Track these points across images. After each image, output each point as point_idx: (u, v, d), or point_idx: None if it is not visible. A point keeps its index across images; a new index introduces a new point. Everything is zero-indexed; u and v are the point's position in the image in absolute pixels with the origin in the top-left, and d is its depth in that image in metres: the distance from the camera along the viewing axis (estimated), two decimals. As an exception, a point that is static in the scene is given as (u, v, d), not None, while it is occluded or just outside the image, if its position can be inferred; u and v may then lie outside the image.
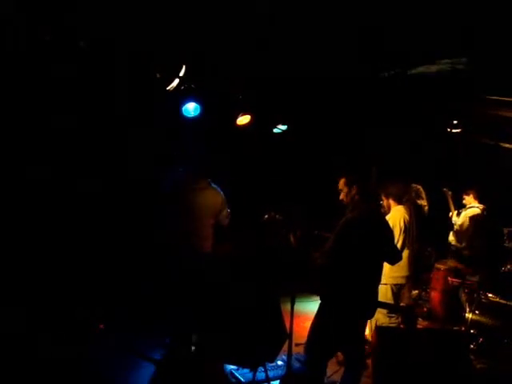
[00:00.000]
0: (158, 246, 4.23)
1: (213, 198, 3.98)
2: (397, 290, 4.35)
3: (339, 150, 6.47)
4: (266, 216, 3.78)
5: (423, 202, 5.39)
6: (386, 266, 3.60)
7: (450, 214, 6.04)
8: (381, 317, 4.20)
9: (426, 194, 5.56)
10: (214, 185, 4.08)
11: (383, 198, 4.56)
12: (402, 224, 4.29)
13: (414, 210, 4.67)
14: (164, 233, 4.12)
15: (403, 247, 4.29)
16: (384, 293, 4.20)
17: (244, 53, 3.86)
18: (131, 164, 5.34)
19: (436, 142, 6.57)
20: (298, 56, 3.69)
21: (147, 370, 3.86)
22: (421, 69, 3.42)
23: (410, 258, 4.42)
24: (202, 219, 3.94)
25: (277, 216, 3.73)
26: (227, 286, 3.62)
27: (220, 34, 3.48)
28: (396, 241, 4.17)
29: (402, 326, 4.47)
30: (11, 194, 4.32)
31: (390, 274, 4.17)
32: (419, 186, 5.44)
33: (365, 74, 3.83)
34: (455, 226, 5.84)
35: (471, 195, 5.91)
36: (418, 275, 5.21)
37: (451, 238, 5.93)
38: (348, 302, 3.14)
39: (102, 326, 4.48)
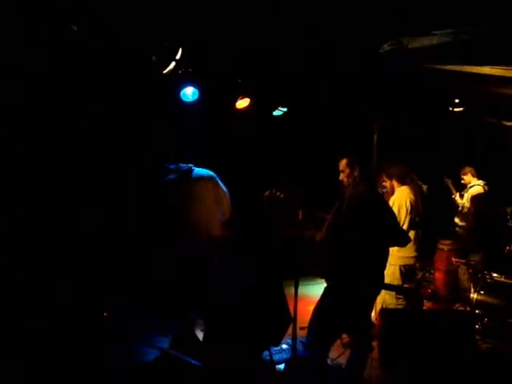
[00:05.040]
0: (159, 233, 4.21)
1: (205, 184, 3.89)
2: (405, 271, 4.30)
3: (339, 133, 6.38)
4: (267, 193, 3.68)
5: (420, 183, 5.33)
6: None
7: (453, 196, 6.01)
8: (388, 298, 4.18)
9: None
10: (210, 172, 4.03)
11: (386, 179, 4.51)
12: (408, 204, 4.22)
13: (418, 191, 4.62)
14: (165, 222, 4.11)
15: (410, 227, 4.24)
16: (392, 273, 4.18)
17: (243, 34, 3.76)
18: (131, 153, 5.28)
19: (438, 122, 6.49)
20: (296, 31, 3.57)
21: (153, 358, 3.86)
22: (422, 41, 3.25)
23: (417, 238, 4.38)
24: (199, 205, 3.88)
25: (278, 193, 3.64)
26: (229, 272, 3.60)
27: (217, 14, 3.39)
28: (402, 221, 4.13)
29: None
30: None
31: (398, 254, 4.14)
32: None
33: (364, 48, 3.68)
34: (464, 209, 5.80)
35: (469, 174, 5.87)
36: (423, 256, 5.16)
37: (457, 219, 5.90)
38: (354, 283, 3.09)
39: (106, 314, 4.48)
